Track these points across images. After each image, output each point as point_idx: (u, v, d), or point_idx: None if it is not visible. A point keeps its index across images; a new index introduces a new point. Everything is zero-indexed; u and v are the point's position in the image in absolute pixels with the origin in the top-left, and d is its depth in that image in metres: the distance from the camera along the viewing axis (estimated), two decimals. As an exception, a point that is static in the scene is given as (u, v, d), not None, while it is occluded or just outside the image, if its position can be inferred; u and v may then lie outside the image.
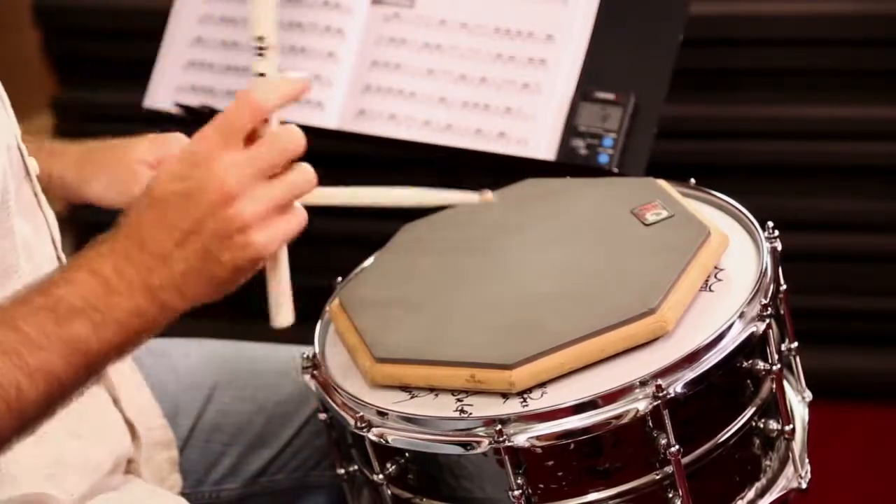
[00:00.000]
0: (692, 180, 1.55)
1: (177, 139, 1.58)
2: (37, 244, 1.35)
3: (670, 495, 1.29)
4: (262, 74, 1.21)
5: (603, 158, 1.74)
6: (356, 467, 1.42)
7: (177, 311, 1.15)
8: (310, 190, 1.18)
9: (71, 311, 1.12)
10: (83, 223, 3.03)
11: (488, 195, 1.33)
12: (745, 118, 2.65)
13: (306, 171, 1.18)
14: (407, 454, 1.32)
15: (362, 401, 1.33)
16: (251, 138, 1.17)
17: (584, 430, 1.25)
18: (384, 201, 1.29)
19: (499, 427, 1.25)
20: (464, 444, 1.27)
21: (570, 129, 1.77)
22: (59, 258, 1.39)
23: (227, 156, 1.14)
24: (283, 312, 1.22)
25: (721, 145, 2.67)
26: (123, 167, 1.57)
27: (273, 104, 1.18)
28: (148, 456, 1.50)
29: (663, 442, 1.26)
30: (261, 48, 1.21)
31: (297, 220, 1.18)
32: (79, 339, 1.11)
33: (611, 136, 1.75)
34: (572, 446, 1.27)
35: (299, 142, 1.18)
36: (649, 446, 1.27)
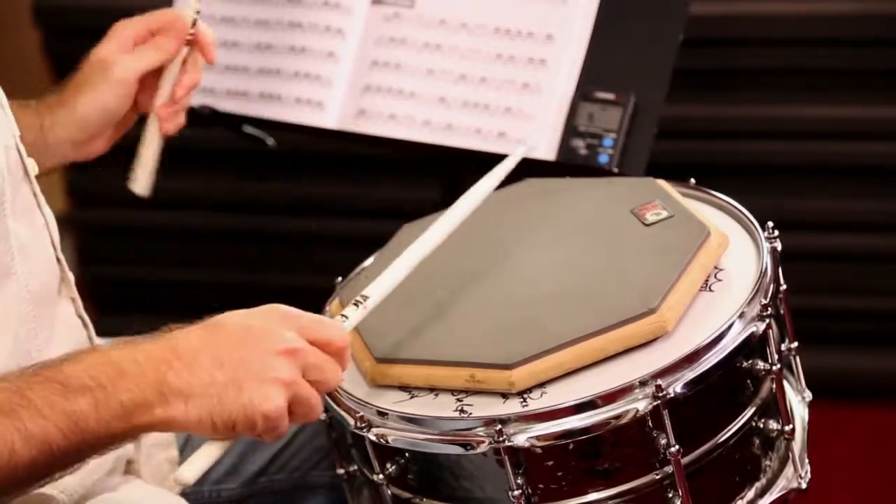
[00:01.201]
0: (692, 180, 1.55)
1: (126, 21, 1.67)
2: (35, 245, 1.35)
3: (670, 495, 1.29)
4: (345, 317, 1.30)
5: (603, 158, 1.75)
6: (356, 467, 1.42)
7: (175, 420, 1.17)
8: (316, 416, 1.23)
9: (79, 386, 1.14)
10: (83, 223, 3.03)
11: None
12: (745, 118, 2.65)
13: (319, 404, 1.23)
14: (407, 454, 1.32)
15: (362, 401, 1.33)
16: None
17: (584, 430, 1.25)
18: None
19: (499, 427, 1.25)
20: (464, 444, 1.27)
21: (570, 129, 1.77)
22: (58, 259, 1.39)
23: (294, 332, 1.21)
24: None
25: (721, 145, 2.67)
26: (97, 66, 1.64)
27: (346, 357, 1.25)
28: (148, 455, 1.50)
29: (663, 442, 1.26)
30: (360, 302, 1.31)
31: (312, 415, 1.22)
32: (80, 414, 1.14)
33: (611, 136, 1.75)
34: (572, 446, 1.27)
35: (336, 383, 1.24)
36: (649, 446, 1.27)
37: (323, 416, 1.41)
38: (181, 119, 1.69)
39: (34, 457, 1.13)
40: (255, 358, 1.18)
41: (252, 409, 1.17)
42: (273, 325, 1.21)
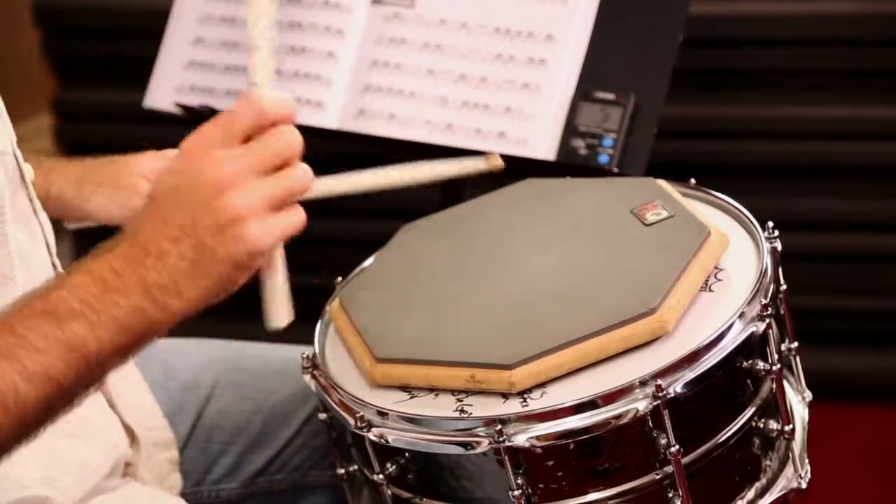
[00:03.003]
0: (692, 180, 1.55)
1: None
2: (32, 251, 1.34)
3: (670, 495, 1.29)
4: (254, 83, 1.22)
5: (603, 158, 1.75)
6: (356, 467, 1.42)
7: (177, 312, 1.13)
8: (307, 189, 1.17)
9: (69, 312, 1.11)
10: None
11: (497, 160, 1.34)
12: (745, 118, 2.65)
13: (303, 169, 1.17)
14: (407, 454, 1.32)
15: (362, 401, 1.33)
16: (247, 140, 1.16)
17: (584, 430, 1.25)
18: (386, 182, 1.29)
19: (499, 427, 1.25)
20: (464, 444, 1.27)
21: (570, 129, 1.77)
22: (53, 265, 1.39)
23: (222, 150, 1.14)
24: (278, 313, 1.20)
25: (721, 145, 2.67)
26: (124, 182, 1.59)
27: (276, 114, 1.17)
28: (147, 456, 1.50)
29: (663, 442, 1.26)
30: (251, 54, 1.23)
31: (295, 217, 1.16)
32: (77, 339, 1.10)
33: (611, 136, 1.75)
34: (572, 446, 1.27)
35: (297, 142, 1.17)
36: (649, 446, 1.27)
37: (323, 416, 1.41)
38: None
39: (40, 394, 1.09)
40: (202, 211, 1.12)
41: (238, 259, 1.12)
42: (197, 164, 1.14)
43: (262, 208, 1.13)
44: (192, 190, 1.13)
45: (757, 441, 1.36)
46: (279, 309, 1.21)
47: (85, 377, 1.12)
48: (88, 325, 1.11)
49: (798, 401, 1.47)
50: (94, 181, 1.59)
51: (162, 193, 1.15)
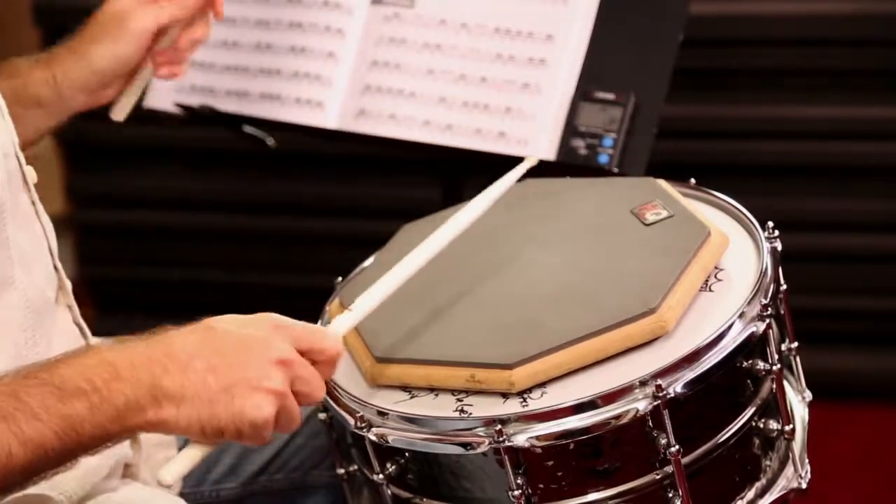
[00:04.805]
0: (692, 180, 1.55)
1: None
2: (33, 254, 1.34)
3: (670, 495, 1.29)
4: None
5: (603, 158, 1.75)
6: (356, 467, 1.42)
7: (166, 421, 1.17)
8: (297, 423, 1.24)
9: (74, 389, 1.14)
10: (83, 224, 3.03)
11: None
12: (745, 118, 2.66)
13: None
14: (407, 454, 1.32)
15: (362, 401, 1.33)
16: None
17: (584, 430, 1.25)
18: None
19: (499, 427, 1.25)
20: (464, 444, 1.27)
21: (570, 129, 1.77)
22: (55, 268, 1.39)
23: (287, 343, 1.21)
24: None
25: (721, 145, 2.67)
26: (120, 32, 1.65)
27: (335, 367, 1.26)
28: (147, 455, 1.50)
29: (663, 442, 1.26)
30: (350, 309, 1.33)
31: (292, 426, 1.22)
32: (75, 417, 1.14)
33: (611, 136, 1.75)
34: (572, 446, 1.27)
35: (322, 394, 1.24)
36: (649, 446, 1.27)
37: (323, 416, 1.41)
38: (180, 70, 1.71)
39: (30, 459, 1.14)
40: (248, 366, 1.18)
41: (241, 418, 1.17)
42: (267, 334, 1.21)
43: (282, 402, 1.20)
44: (256, 346, 1.19)
45: (757, 441, 1.36)
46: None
47: (70, 452, 1.16)
48: (89, 407, 1.15)
49: (798, 401, 1.47)
50: (90, 41, 1.66)
51: (226, 329, 1.20)
